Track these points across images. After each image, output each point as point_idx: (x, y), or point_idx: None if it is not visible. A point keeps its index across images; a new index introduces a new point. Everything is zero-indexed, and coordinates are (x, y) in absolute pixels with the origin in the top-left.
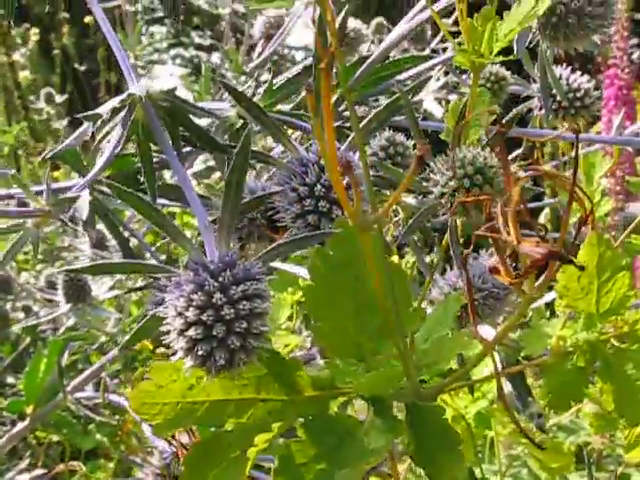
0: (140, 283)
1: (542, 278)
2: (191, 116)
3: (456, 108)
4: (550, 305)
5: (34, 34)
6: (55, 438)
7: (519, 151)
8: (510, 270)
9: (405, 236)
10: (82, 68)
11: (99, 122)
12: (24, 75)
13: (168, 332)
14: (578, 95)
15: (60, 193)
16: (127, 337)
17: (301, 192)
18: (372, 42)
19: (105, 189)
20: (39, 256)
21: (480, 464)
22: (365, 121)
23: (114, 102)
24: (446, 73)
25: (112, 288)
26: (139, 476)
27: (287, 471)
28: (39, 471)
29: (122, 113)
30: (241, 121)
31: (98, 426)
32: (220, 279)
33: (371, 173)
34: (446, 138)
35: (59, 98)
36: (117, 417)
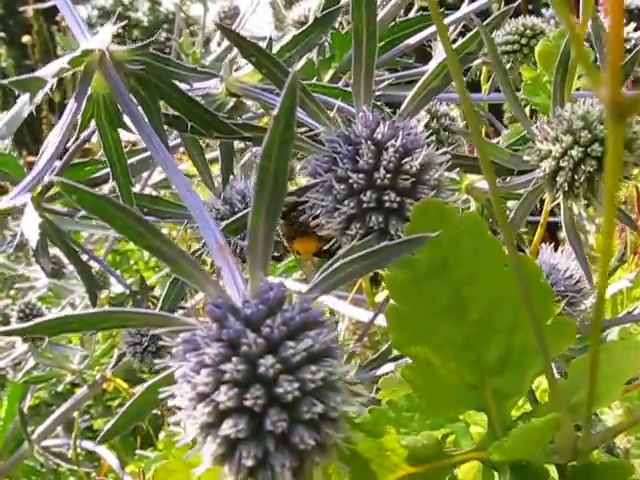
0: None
1: None
2: (177, 83)
3: (548, 52)
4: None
5: None
6: None
7: None
8: None
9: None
10: None
11: (40, 94)
12: None
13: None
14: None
15: None
16: (109, 426)
17: (354, 181)
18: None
19: (58, 208)
20: None
21: None
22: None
23: (63, 60)
24: (462, 34)
25: None
26: None
27: None
28: None
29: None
30: (233, 100)
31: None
32: (266, 330)
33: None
34: (529, 96)
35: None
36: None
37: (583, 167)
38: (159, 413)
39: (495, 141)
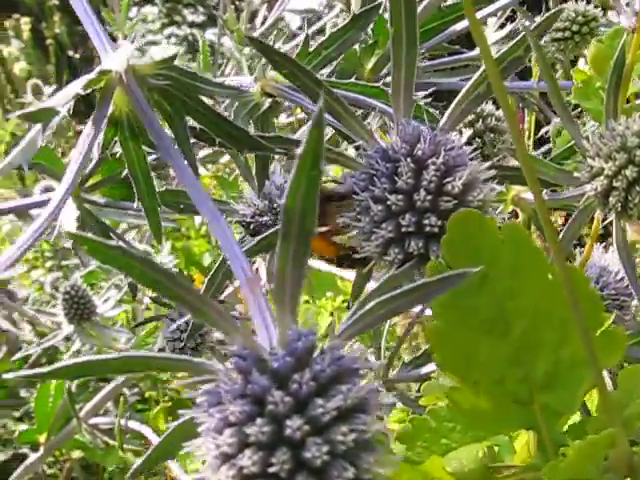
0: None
1: None
2: (203, 98)
3: (601, 56)
4: None
5: (25, 23)
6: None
7: None
8: None
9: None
10: (77, 56)
11: (55, 120)
12: (20, 67)
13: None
14: None
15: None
16: (136, 466)
17: (392, 203)
18: None
19: (96, 198)
20: (47, 254)
21: None
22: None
23: (77, 85)
24: (510, 19)
25: (120, 302)
26: None
27: None
28: None
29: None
30: (269, 101)
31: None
32: (293, 387)
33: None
34: (580, 100)
35: (48, 89)
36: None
37: (638, 188)
38: None
39: (545, 130)
